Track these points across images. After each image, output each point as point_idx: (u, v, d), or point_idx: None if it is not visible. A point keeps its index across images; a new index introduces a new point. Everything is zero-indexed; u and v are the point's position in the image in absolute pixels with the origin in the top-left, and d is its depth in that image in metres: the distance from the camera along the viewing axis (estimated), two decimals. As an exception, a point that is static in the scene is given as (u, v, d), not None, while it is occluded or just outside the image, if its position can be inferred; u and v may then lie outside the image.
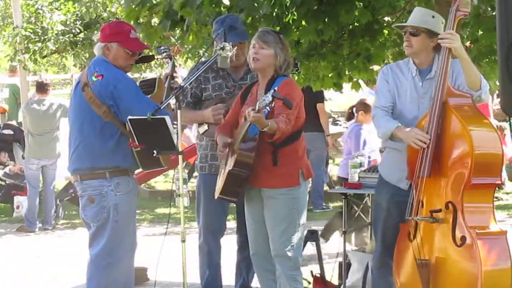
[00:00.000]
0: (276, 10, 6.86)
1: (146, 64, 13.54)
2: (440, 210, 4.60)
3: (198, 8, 6.61)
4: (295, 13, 6.99)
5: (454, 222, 4.51)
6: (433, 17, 4.93)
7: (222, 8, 6.67)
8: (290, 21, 7.02)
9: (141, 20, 7.15)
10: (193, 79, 5.28)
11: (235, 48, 5.26)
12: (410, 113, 4.91)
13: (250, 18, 6.69)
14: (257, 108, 4.53)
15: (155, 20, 7.32)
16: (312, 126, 9.97)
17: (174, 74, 5.09)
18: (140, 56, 5.11)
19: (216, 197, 5.09)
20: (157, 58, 5.33)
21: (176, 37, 9.60)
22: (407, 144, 4.75)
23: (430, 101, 4.83)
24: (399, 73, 5.00)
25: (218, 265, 5.84)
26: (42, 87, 10.43)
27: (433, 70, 4.91)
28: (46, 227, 10.30)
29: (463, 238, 4.46)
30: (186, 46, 8.26)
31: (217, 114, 5.46)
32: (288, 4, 6.85)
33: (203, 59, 5.78)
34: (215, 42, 5.50)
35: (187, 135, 13.19)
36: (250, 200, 5.09)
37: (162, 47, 5.15)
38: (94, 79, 4.88)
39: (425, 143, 4.62)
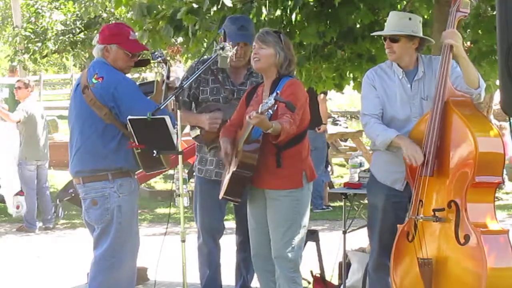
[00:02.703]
0: (280, 12, 6.86)
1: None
2: (442, 209, 4.60)
3: (202, 15, 6.60)
4: (297, 15, 6.98)
5: (457, 221, 4.52)
6: (410, 19, 4.94)
7: (227, 12, 6.65)
8: (293, 23, 7.01)
9: (145, 27, 7.13)
10: (193, 79, 5.28)
11: (236, 47, 5.27)
12: (401, 115, 4.93)
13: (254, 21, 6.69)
14: (259, 111, 4.53)
15: (159, 27, 7.30)
16: (314, 123, 9.96)
17: (171, 77, 5.11)
18: (138, 59, 5.12)
19: (220, 197, 5.09)
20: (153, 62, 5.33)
21: (179, 43, 9.59)
22: (404, 154, 4.76)
23: (421, 102, 4.88)
24: (384, 76, 5.00)
25: (218, 265, 5.84)
26: (26, 88, 10.43)
27: (420, 70, 4.93)
28: (48, 226, 10.31)
29: (467, 237, 4.47)
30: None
31: (213, 123, 5.44)
32: (291, 7, 6.85)
33: (204, 57, 5.77)
34: (215, 42, 5.51)
35: None
36: (253, 201, 5.09)
37: (156, 53, 5.17)
38: (94, 81, 4.87)
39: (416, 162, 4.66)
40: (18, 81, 11.11)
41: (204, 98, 5.62)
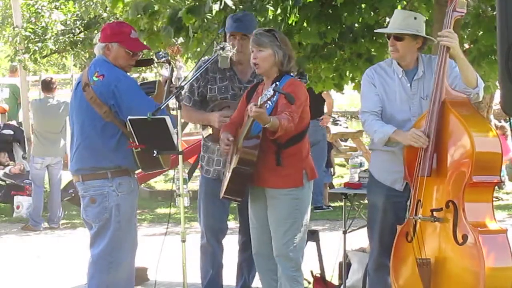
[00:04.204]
0: (279, 13, 6.84)
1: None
2: (440, 209, 4.61)
3: (202, 14, 6.58)
4: (298, 15, 6.97)
5: (455, 221, 4.53)
6: (415, 18, 4.95)
7: (228, 14, 6.63)
8: (293, 24, 7.01)
9: (142, 27, 7.12)
10: (192, 79, 5.29)
11: (235, 48, 5.26)
12: (401, 115, 4.93)
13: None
14: (259, 103, 4.53)
15: (155, 28, 7.29)
16: (315, 114, 9.94)
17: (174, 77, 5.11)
18: (139, 59, 5.13)
19: (221, 196, 5.09)
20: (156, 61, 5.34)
21: (179, 43, 9.58)
22: (406, 144, 4.76)
23: (421, 101, 4.89)
24: (384, 75, 5.00)
25: (221, 265, 5.84)
26: (48, 85, 10.47)
27: (420, 70, 4.94)
28: (53, 226, 10.32)
29: (465, 237, 4.48)
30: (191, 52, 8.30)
31: (223, 121, 5.43)
32: (291, 7, 6.84)
33: (203, 58, 5.76)
34: (215, 42, 5.51)
35: None
36: (254, 200, 5.09)
37: (161, 52, 5.18)
38: (95, 79, 4.89)
39: (423, 144, 4.64)
40: (42, 80, 11.20)
41: (212, 97, 5.60)
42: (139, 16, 6.98)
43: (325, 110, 11.44)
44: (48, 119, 10.24)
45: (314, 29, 6.91)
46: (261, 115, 4.59)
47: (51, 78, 10.87)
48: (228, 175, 4.99)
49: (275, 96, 4.53)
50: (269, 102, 4.53)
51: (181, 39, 7.77)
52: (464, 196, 4.54)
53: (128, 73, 5.14)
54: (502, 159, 4.72)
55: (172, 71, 5.18)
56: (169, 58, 5.23)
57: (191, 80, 5.29)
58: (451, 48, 4.67)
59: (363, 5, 6.97)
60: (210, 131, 5.56)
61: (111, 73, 4.89)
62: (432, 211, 4.63)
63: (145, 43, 7.03)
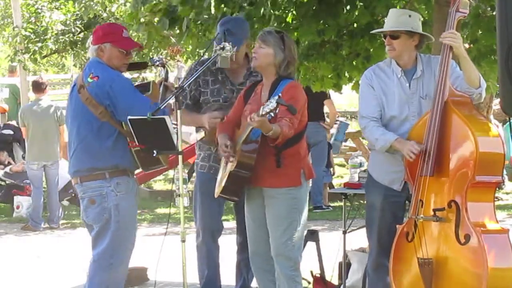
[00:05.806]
0: (277, 11, 6.84)
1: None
2: (443, 209, 4.61)
3: (197, 8, 6.57)
4: (295, 13, 6.97)
5: (457, 221, 4.54)
6: (409, 16, 4.96)
7: (225, 9, 6.62)
8: (290, 21, 7.00)
9: (142, 20, 7.14)
10: (193, 79, 5.29)
11: (235, 48, 5.26)
12: (399, 114, 4.93)
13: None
14: (260, 113, 4.54)
15: (156, 20, 7.32)
16: (315, 116, 9.97)
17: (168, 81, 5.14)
18: (134, 62, 5.14)
19: (216, 196, 5.09)
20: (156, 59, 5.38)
21: (175, 37, 9.58)
22: (403, 154, 4.76)
23: (420, 101, 4.89)
24: (383, 75, 5.00)
25: (217, 265, 5.82)
26: (38, 86, 10.45)
27: (418, 69, 4.94)
28: (52, 226, 10.33)
29: (467, 236, 4.49)
30: (185, 47, 8.29)
31: (213, 122, 5.43)
32: (287, 5, 6.84)
33: (204, 57, 5.76)
34: (215, 42, 5.50)
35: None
36: (251, 200, 5.09)
37: (155, 58, 5.20)
38: (90, 80, 4.91)
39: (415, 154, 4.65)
40: (33, 81, 11.15)
41: (204, 100, 5.62)
42: (139, 9, 7.00)
43: (327, 114, 11.50)
44: (40, 121, 10.23)
45: (313, 27, 6.90)
46: (262, 124, 4.59)
47: (41, 79, 10.88)
48: (225, 177, 4.99)
49: (277, 109, 4.53)
50: (271, 113, 4.53)
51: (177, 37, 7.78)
52: (466, 196, 4.54)
53: (128, 73, 5.14)
54: (504, 159, 4.72)
55: (166, 73, 5.20)
56: (164, 62, 5.26)
57: (190, 81, 5.28)
58: (454, 48, 4.67)
59: (361, 4, 6.96)
60: (203, 134, 5.57)
61: (106, 74, 4.91)
62: (434, 210, 4.63)
63: (145, 36, 7.06)
